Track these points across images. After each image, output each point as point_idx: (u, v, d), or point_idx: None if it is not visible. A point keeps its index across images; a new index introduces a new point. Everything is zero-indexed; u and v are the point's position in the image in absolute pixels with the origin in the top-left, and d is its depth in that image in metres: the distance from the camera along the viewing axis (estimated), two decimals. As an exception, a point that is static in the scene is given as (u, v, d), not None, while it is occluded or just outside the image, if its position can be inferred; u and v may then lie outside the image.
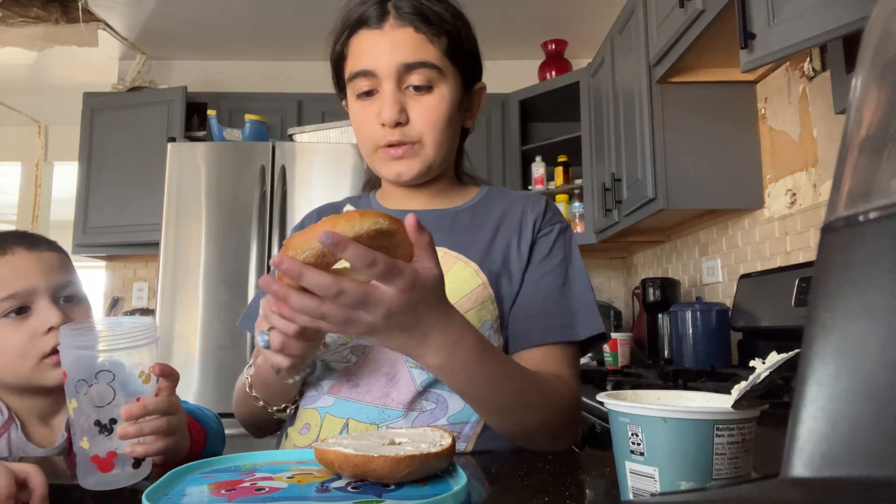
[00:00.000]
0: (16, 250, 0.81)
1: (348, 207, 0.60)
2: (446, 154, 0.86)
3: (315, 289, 0.53)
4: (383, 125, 0.80)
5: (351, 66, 0.83)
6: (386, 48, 0.80)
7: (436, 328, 0.61)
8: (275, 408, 0.81)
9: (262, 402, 0.80)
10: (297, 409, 0.84)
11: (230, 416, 0.91)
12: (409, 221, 0.55)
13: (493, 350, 0.68)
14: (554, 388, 0.75)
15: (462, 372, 0.65)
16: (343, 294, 0.53)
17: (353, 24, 0.82)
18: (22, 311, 0.78)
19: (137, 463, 0.62)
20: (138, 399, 0.62)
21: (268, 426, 0.87)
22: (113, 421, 0.61)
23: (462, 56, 0.85)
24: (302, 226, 0.96)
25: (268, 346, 0.64)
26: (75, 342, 0.61)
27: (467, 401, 0.71)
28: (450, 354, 0.63)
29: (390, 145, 0.82)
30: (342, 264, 0.58)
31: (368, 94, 0.82)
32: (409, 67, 0.79)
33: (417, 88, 0.80)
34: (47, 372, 0.77)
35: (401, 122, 0.80)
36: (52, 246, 0.86)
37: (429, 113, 0.81)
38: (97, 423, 0.60)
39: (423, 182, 0.87)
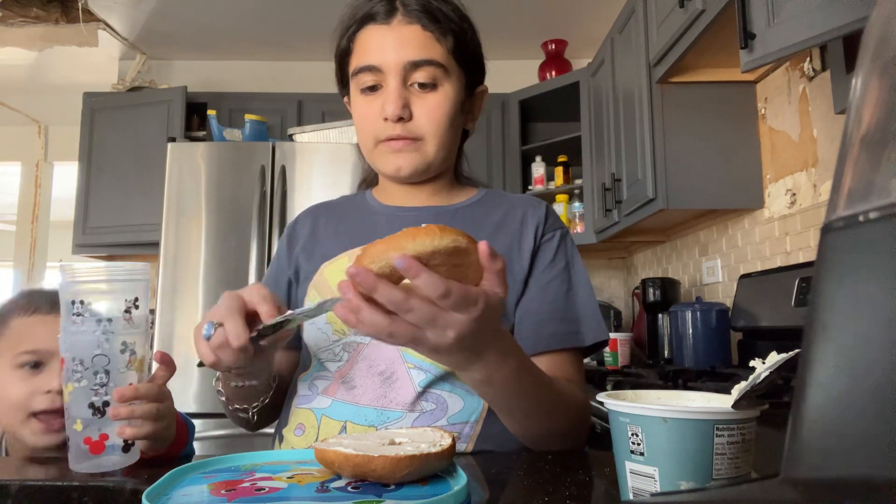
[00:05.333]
0: (57, 311, 0.84)
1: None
2: (447, 153, 0.86)
3: (386, 303, 0.52)
4: (386, 120, 0.80)
5: (356, 61, 0.83)
6: (393, 44, 0.80)
7: (489, 349, 0.61)
8: (235, 405, 0.80)
9: (224, 398, 0.80)
10: (290, 408, 0.84)
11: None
12: (483, 248, 0.54)
13: (531, 365, 0.68)
14: (571, 395, 0.76)
15: (501, 386, 0.65)
16: (413, 312, 0.52)
17: (361, 20, 0.83)
18: (37, 366, 0.81)
19: (127, 447, 0.65)
20: (131, 384, 0.65)
21: (244, 422, 0.86)
22: (106, 404, 0.64)
23: (467, 57, 0.85)
24: (293, 228, 0.96)
25: (208, 338, 0.64)
26: (74, 328, 0.64)
27: (496, 409, 0.71)
28: (494, 371, 0.63)
29: (391, 139, 0.82)
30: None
31: (372, 89, 0.82)
32: (415, 65, 0.80)
33: (422, 86, 0.81)
34: (32, 428, 0.80)
35: (403, 118, 0.80)
36: None
37: (432, 111, 0.81)
38: (91, 405, 0.63)
39: (421, 180, 0.87)
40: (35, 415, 0.79)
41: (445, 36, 0.81)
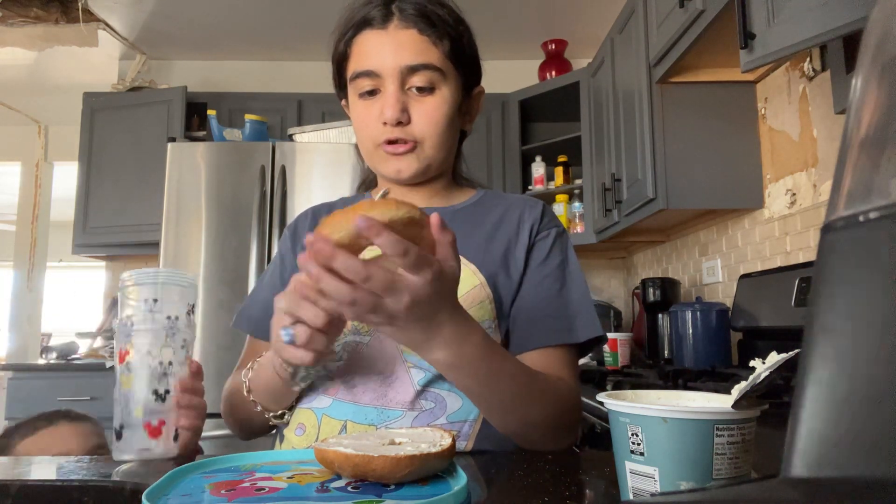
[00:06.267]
0: (60, 423, 1.04)
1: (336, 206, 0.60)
2: (445, 155, 0.86)
3: (345, 271, 0.53)
4: (385, 124, 0.81)
5: (354, 66, 0.83)
6: (390, 49, 0.80)
7: (447, 323, 0.62)
8: (271, 414, 0.80)
9: (260, 408, 0.79)
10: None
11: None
12: (434, 219, 0.56)
13: (498, 348, 0.69)
14: (556, 388, 0.76)
15: (468, 368, 0.65)
16: (371, 279, 0.53)
17: (357, 25, 0.83)
18: None
19: (176, 436, 0.72)
20: (189, 377, 0.73)
21: (261, 430, 0.87)
22: (167, 392, 0.71)
23: (463, 60, 0.86)
24: (295, 227, 0.96)
25: (292, 342, 0.63)
26: (147, 322, 0.70)
27: (470, 397, 0.71)
28: (458, 350, 0.63)
29: (390, 142, 0.82)
30: (371, 253, 0.58)
31: (371, 93, 0.83)
32: (412, 69, 0.80)
33: (420, 90, 0.81)
34: None
35: (402, 122, 0.81)
36: (88, 419, 1.13)
37: (430, 114, 0.82)
38: (155, 391, 0.70)
39: (421, 181, 0.88)
40: None
41: (442, 40, 0.82)
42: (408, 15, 0.81)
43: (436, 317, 0.60)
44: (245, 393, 0.79)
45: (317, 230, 0.54)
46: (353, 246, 0.55)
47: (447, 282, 0.59)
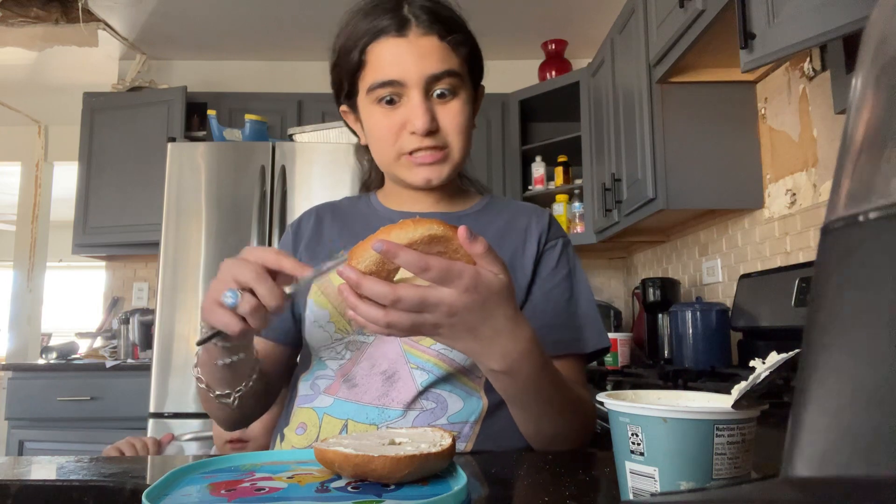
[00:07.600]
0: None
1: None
2: (467, 156, 0.87)
3: (373, 297, 0.54)
4: (413, 133, 0.80)
5: (373, 76, 0.80)
6: (413, 58, 0.79)
7: (504, 334, 0.60)
8: (217, 392, 0.76)
9: (204, 385, 0.76)
10: (291, 408, 0.84)
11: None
12: (461, 233, 0.55)
13: (550, 362, 0.68)
14: (582, 396, 0.77)
15: (521, 382, 0.65)
16: (401, 301, 0.54)
17: (373, 33, 0.80)
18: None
19: None
20: None
21: (225, 412, 0.81)
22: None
23: (475, 62, 0.86)
24: (298, 225, 0.95)
25: (234, 306, 0.62)
26: None
27: (513, 404, 0.70)
28: (515, 363, 0.62)
29: (418, 150, 0.81)
30: (405, 274, 0.58)
31: (390, 101, 0.81)
32: (436, 78, 0.79)
33: (441, 95, 0.81)
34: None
35: (432, 131, 0.80)
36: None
37: (455, 118, 0.81)
38: None
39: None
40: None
41: (459, 45, 0.82)
42: (423, 21, 0.79)
43: (485, 326, 0.59)
44: (192, 370, 0.77)
45: (347, 262, 0.55)
46: (382, 272, 0.56)
47: (487, 291, 0.57)
